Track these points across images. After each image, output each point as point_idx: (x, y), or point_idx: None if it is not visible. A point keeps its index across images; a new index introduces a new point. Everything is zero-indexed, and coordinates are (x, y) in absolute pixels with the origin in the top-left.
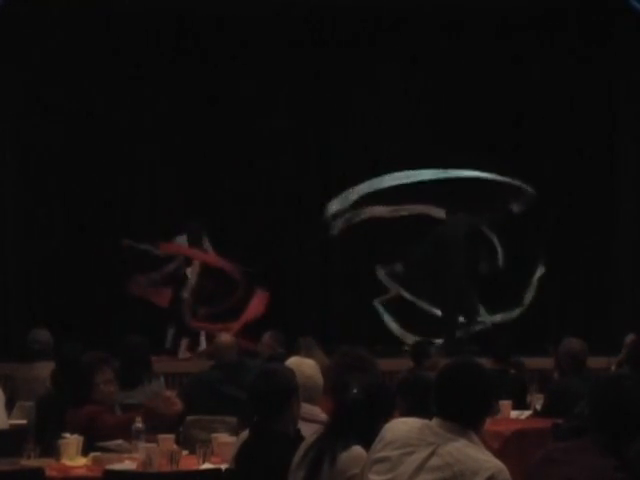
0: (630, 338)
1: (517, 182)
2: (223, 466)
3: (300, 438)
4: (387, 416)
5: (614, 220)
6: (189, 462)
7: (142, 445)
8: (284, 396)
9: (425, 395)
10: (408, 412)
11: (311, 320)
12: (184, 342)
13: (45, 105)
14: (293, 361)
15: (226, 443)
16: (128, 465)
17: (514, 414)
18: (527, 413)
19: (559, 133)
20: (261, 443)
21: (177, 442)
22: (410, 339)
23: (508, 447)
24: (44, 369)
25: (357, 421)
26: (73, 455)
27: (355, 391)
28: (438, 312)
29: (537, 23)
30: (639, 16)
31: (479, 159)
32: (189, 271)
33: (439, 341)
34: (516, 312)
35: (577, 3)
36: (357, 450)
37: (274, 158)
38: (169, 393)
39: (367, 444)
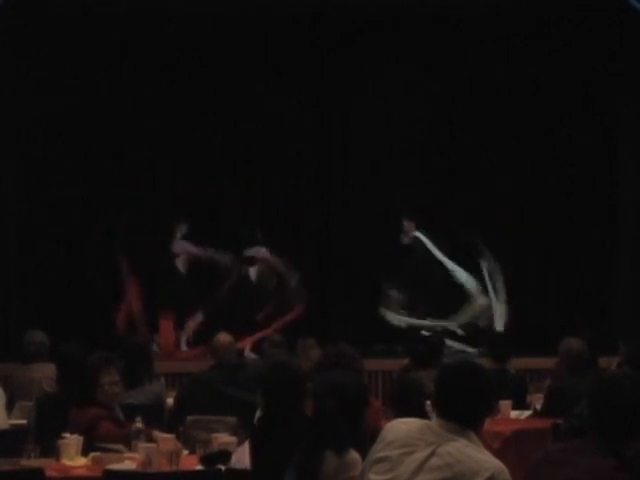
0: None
1: None
2: (223, 466)
3: None
4: (365, 410)
5: (615, 220)
6: (189, 462)
7: (142, 445)
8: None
9: (419, 397)
10: (402, 413)
11: (311, 321)
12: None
13: (44, 105)
14: None
15: (226, 443)
16: (128, 465)
17: (514, 414)
18: (527, 413)
19: (558, 133)
20: (278, 421)
21: None
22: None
23: (508, 447)
24: (39, 370)
25: (338, 424)
26: (73, 455)
27: (329, 397)
28: None
29: (536, 23)
30: (639, 16)
31: (480, 155)
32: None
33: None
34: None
35: (577, 3)
36: (352, 454)
37: (273, 161)
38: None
39: (354, 442)
